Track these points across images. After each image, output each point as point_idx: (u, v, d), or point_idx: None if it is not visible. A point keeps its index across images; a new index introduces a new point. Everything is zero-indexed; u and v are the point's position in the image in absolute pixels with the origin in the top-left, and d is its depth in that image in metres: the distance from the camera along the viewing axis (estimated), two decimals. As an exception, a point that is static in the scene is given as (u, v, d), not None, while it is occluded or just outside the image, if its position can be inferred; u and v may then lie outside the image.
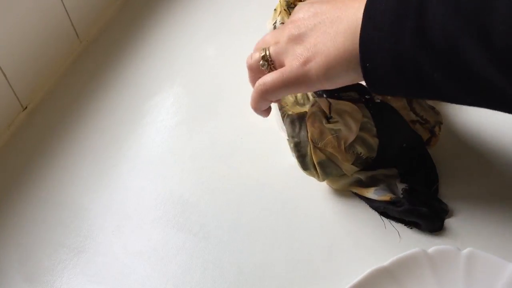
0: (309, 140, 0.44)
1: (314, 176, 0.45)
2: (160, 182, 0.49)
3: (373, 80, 0.36)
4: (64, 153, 0.52)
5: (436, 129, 0.47)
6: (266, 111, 0.45)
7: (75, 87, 0.59)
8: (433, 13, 0.32)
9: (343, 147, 0.43)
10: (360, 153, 0.44)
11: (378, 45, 0.34)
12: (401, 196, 0.44)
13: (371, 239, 0.43)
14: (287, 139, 0.46)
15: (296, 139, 0.45)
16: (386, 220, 0.44)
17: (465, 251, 0.40)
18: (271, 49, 0.41)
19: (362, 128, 0.44)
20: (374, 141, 0.45)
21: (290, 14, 0.52)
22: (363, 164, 0.45)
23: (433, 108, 0.48)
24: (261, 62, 0.42)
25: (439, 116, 0.48)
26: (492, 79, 0.32)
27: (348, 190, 0.46)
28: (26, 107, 0.57)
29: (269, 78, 0.40)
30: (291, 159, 0.49)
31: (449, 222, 0.43)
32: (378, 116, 0.45)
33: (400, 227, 0.43)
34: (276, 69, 0.41)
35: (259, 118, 0.52)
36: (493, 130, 0.49)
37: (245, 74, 0.58)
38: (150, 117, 0.55)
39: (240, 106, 0.54)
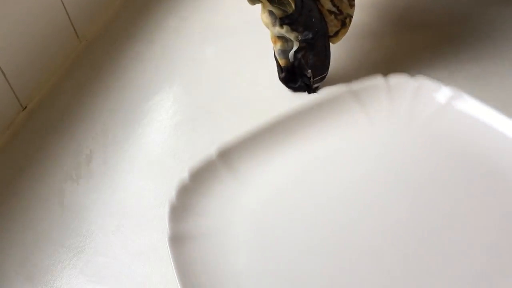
0: None
1: None
2: (160, 182, 0.49)
3: None
4: (63, 153, 0.52)
5: (347, 20, 0.51)
6: None
7: (74, 86, 0.59)
8: None
9: None
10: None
11: None
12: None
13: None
14: None
15: None
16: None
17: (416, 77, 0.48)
18: None
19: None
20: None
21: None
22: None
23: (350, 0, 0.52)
24: None
25: (352, 9, 0.51)
26: None
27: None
28: (25, 107, 0.57)
29: None
30: (291, 159, 0.49)
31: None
32: None
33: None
34: None
35: (258, 118, 0.52)
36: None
37: (245, 74, 0.58)
38: (150, 117, 0.55)
39: (240, 106, 0.54)
